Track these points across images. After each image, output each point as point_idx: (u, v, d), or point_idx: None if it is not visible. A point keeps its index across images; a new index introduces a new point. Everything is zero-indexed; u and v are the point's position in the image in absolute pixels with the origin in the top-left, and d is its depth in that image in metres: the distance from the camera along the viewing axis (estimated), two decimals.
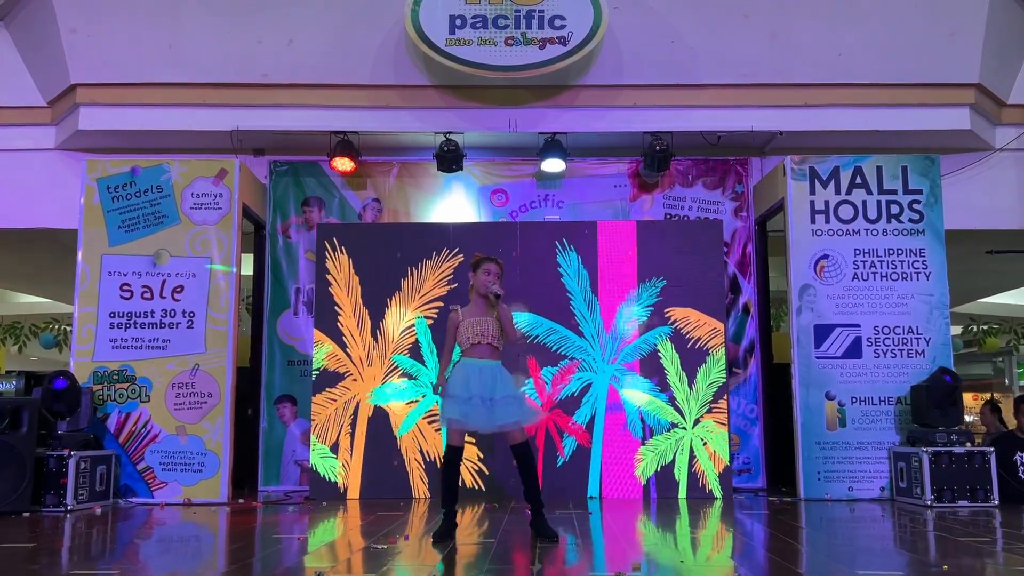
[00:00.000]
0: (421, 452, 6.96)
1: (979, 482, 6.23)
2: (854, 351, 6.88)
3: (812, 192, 7.08)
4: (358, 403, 7.02)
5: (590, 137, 7.70)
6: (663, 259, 7.14)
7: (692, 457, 6.88)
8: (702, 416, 6.92)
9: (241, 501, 6.65)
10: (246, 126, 7.48)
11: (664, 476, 6.86)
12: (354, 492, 6.91)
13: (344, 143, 7.52)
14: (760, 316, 7.78)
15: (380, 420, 7.00)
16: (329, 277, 7.21)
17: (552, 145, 7.53)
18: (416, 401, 7.03)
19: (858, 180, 7.09)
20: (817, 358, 6.87)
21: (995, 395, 15.93)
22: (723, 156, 7.93)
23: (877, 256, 6.99)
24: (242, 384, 7.25)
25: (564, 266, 7.13)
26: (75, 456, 6.04)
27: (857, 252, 7.00)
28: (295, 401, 7.61)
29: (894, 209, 7.05)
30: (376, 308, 7.15)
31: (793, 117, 7.52)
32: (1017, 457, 6.43)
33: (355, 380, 7.07)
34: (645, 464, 6.89)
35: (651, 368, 7.00)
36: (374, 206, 7.94)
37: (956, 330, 13.58)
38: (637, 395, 6.98)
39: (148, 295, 6.88)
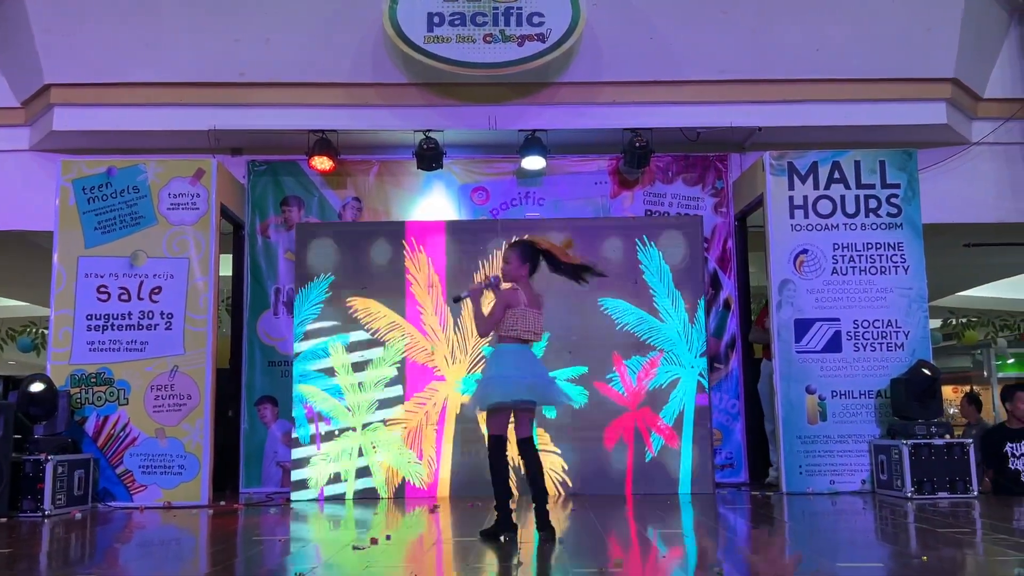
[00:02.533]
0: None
1: (959, 474, 6.27)
2: (834, 345, 6.91)
3: (791, 187, 7.11)
4: (446, 402, 6.94)
5: (570, 134, 7.69)
6: None
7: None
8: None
9: (222, 503, 6.59)
10: (223, 125, 7.42)
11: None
12: (444, 490, 6.84)
13: (323, 142, 7.48)
14: (741, 311, 7.80)
15: (468, 417, 6.88)
16: (409, 277, 7.14)
17: (532, 142, 7.51)
18: None
19: (836, 175, 7.12)
20: (798, 352, 6.90)
21: (974, 387, 16.08)
22: (703, 152, 7.95)
23: (856, 250, 7.03)
24: (222, 385, 7.19)
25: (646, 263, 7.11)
26: (52, 460, 5.96)
27: (836, 246, 7.04)
28: (276, 402, 7.56)
29: (872, 203, 7.09)
30: (459, 306, 7.00)
31: (772, 113, 7.54)
32: (1008, 448, 6.48)
33: (442, 380, 6.99)
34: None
35: None
36: (354, 205, 7.90)
37: (935, 323, 13.67)
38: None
39: (125, 297, 6.81)
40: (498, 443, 4.48)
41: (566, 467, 6.87)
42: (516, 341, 4.50)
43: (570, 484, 6.84)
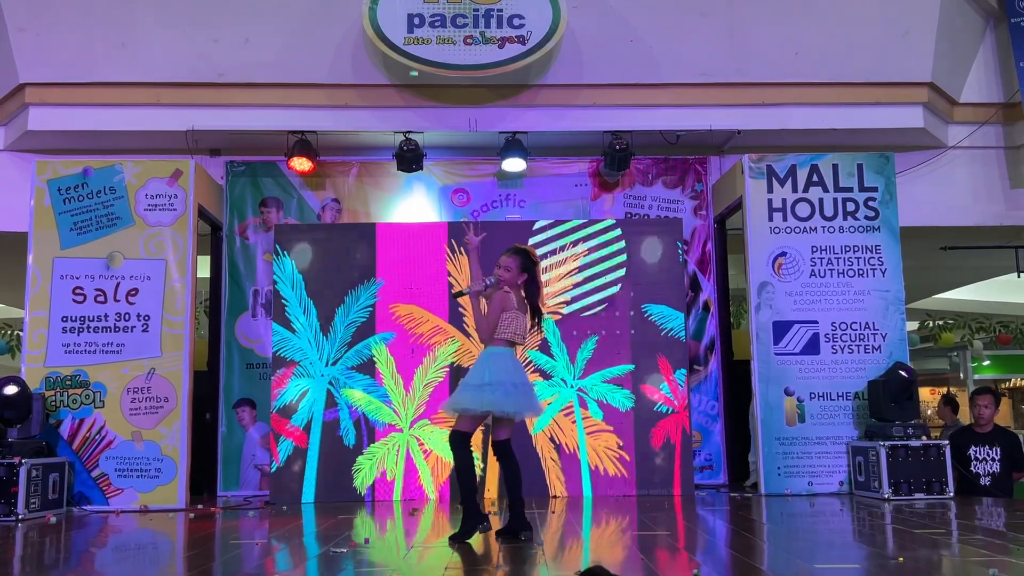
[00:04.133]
0: (558, 449, 6.87)
1: (935, 475, 6.32)
2: (812, 347, 6.95)
3: (770, 190, 7.15)
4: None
5: (551, 136, 7.70)
6: None
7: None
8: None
9: (200, 507, 6.54)
10: (201, 126, 7.36)
11: None
12: (493, 492, 6.81)
13: (302, 143, 7.44)
14: (720, 314, 7.83)
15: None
16: (451, 279, 7.11)
17: (512, 144, 7.51)
18: (550, 400, 6.94)
19: (815, 178, 7.17)
20: (776, 354, 6.93)
21: (951, 389, 16.23)
22: (682, 155, 7.98)
23: (834, 253, 7.08)
24: (200, 388, 7.13)
25: None
26: (26, 464, 5.89)
27: (814, 249, 7.08)
28: (254, 405, 7.51)
29: (850, 206, 7.14)
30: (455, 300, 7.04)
31: (751, 116, 7.58)
32: (971, 451, 6.54)
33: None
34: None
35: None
36: (333, 206, 7.86)
37: (912, 326, 13.78)
38: None
39: (102, 298, 6.74)
40: (464, 440, 4.55)
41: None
42: (506, 344, 4.59)
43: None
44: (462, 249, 7.08)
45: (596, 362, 7.04)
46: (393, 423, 6.96)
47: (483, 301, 4.68)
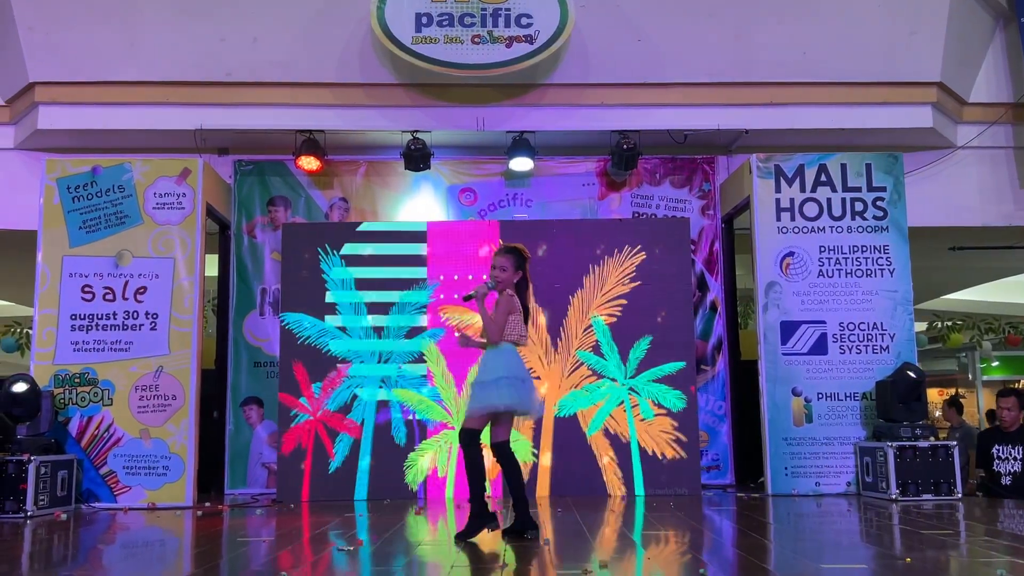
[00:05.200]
0: (614, 448, 6.88)
1: (943, 476, 6.30)
2: (820, 347, 6.93)
3: (777, 190, 7.13)
4: (543, 402, 6.89)
5: (558, 136, 7.70)
6: None
7: None
8: None
9: (207, 505, 6.56)
10: (210, 125, 7.38)
11: None
12: (543, 490, 6.82)
13: (310, 142, 7.46)
14: (727, 313, 7.82)
15: (567, 418, 6.92)
16: None
17: (520, 144, 7.51)
18: (602, 402, 6.95)
19: (823, 178, 7.15)
20: (784, 355, 6.92)
21: (960, 390, 16.18)
22: (690, 155, 7.97)
23: (842, 253, 7.06)
24: (207, 386, 7.15)
25: None
26: (35, 461, 5.92)
27: (822, 249, 7.06)
28: (262, 403, 7.53)
29: (858, 206, 7.12)
30: (555, 306, 7.05)
31: (759, 116, 7.57)
32: (995, 450, 6.52)
33: (539, 378, 6.95)
34: None
35: None
36: (341, 205, 7.88)
37: (920, 326, 13.74)
38: None
39: (110, 297, 6.77)
40: (475, 438, 4.55)
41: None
42: (512, 344, 4.61)
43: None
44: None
45: (648, 361, 7.02)
46: (444, 421, 6.96)
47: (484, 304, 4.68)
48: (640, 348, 7.00)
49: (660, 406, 6.95)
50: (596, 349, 7.05)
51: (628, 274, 7.12)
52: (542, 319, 7.06)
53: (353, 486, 6.84)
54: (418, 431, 6.96)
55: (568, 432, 6.93)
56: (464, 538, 4.43)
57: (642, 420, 6.93)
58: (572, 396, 6.99)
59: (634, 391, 6.98)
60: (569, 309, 7.10)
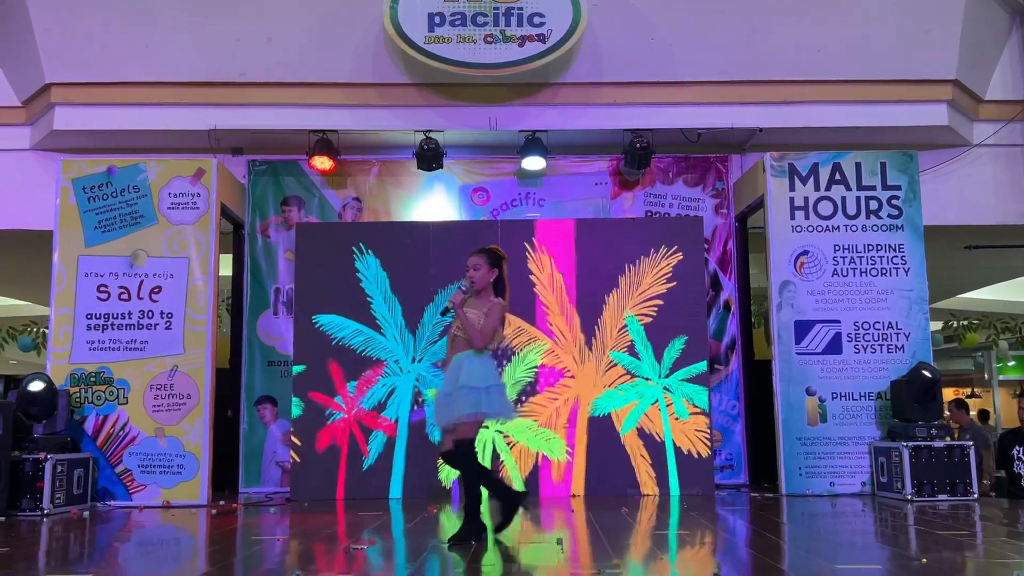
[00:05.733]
0: (647, 447, 6.87)
1: (958, 476, 6.26)
2: (834, 347, 6.90)
3: (792, 188, 7.10)
4: (577, 401, 6.92)
5: (570, 135, 7.69)
6: None
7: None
8: None
9: (221, 503, 6.59)
10: (224, 125, 7.42)
11: None
12: (578, 488, 6.82)
13: (323, 142, 7.48)
14: (741, 313, 7.79)
15: (601, 417, 6.93)
16: (533, 278, 7.10)
17: (532, 143, 7.51)
18: (636, 402, 6.95)
19: (837, 176, 7.11)
20: (798, 354, 6.89)
21: (975, 390, 16.07)
22: (703, 153, 7.94)
23: (856, 252, 7.02)
24: (222, 385, 7.19)
25: None
26: (52, 459, 5.96)
27: (837, 248, 7.03)
28: (275, 402, 7.56)
29: (873, 205, 7.08)
30: (590, 306, 7.05)
31: (772, 114, 7.54)
32: (1015, 451, 6.48)
33: (573, 377, 6.97)
34: None
35: None
36: (354, 205, 7.90)
37: (936, 326, 13.65)
38: None
39: (125, 296, 6.81)
40: (473, 446, 4.49)
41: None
42: (490, 351, 4.55)
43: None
44: (544, 248, 7.10)
45: (682, 361, 7.01)
46: None
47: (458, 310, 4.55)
48: (675, 348, 6.99)
49: (694, 405, 6.93)
50: (631, 349, 7.02)
51: (664, 274, 7.10)
52: (576, 319, 7.04)
53: (388, 484, 6.86)
54: None
55: (602, 432, 6.90)
56: (456, 541, 4.34)
57: (676, 419, 6.91)
58: (606, 396, 6.95)
59: (668, 390, 6.96)
60: (604, 309, 7.06)
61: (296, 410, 6.97)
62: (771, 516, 5.62)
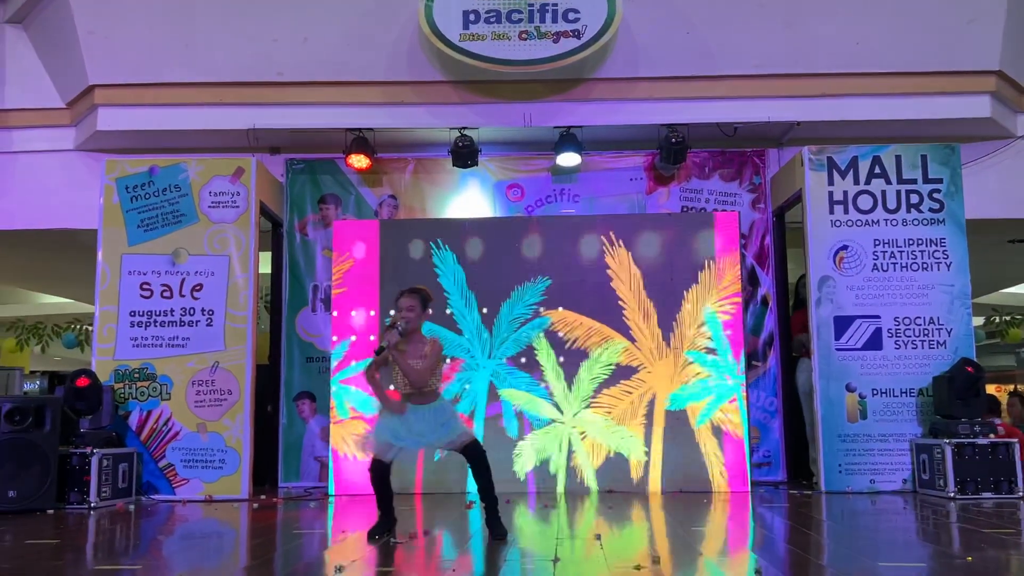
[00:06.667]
0: (720, 445, 6.87)
1: (1003, 474, 6.17)
2: (875, 343, 6.82)
3: (830, 183, 7.03)
4: (654, 396, 6.93)
5: (605, 130, 7.67)
6: None
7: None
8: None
9: (262, 497, 6.68)
10: (262, 124, 7.51)
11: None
12: (655, 485, 6.82)
13: (359, 140, 7.54)
14: (779, 308, 7.73)
15: (676, 412, 6.94)
16: (610, 272, 7.10)
17: (567, 139, 7.51)
18: (712, 396, 6.93)
19: (877, 170, 7.02)
20: (837, 350, 6.82)
21: (1020, 387, 15.77)
22: (740, 148, 7.89)
23: (897, 246, 6.93)
24: (261, 381, 7.28)
25: None
26: (98, 454, 6.09)
27: (877, 243, 6.94)
28: (314, 398, 7.64)
29: (914, 199, 6.98)
30: (665, 301, 7.03)
31: (810, 107, 7.46)
32: None
33: (649, 372, 6.97)
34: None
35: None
36: (390, 203, 7.95)
37: (978, 321, 13.43)
38: None
39: (168, 294, 6.93)
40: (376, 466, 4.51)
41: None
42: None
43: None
44: (621, 241, 7.06)
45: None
46: (554, 418, 6.95)
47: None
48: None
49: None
50: (708, 346, 6.98)
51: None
52: (654, 314, 6.99)
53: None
54: (528, 424, 6.95)
55: (677, 426, 6.86)
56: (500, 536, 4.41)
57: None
58: (682, 390, 6.90)
59: (746, 387, 6.93)
60: (684, 304, 7.00)
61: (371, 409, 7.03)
62: (810, 513, 5.58)
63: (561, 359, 6.97)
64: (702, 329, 6.95)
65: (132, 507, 6.17)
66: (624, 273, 7.05)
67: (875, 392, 6.76)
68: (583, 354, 6.98)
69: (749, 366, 7.34)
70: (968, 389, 6.42)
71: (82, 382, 6.37)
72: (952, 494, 6.10)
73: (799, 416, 7.47)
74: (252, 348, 6.87)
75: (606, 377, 6.93)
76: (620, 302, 7.02)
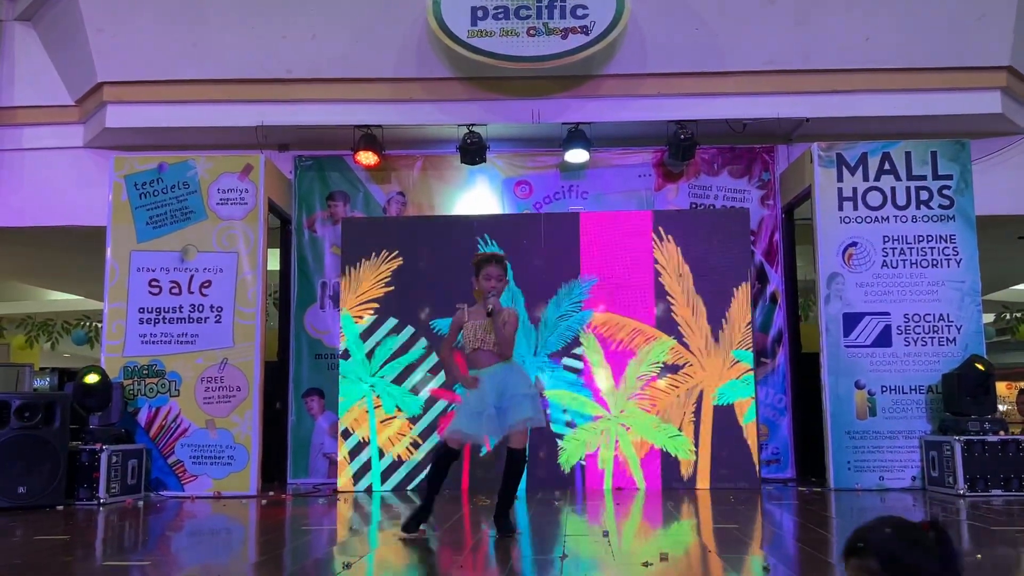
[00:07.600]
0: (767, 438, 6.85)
1: (1013, 471, 6.14)
2: (884, 339, 6.79)
3: (840, 179, 7.00)
4: (701, 392, 6.93)
5: (614, 127, 7.66)
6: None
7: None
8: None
9: (271, 494, 6.70)
10: (270, 121, 7.51)
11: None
12: (703, 482, 6.82)
13: (368, 137, 7.54)
14: (788, 305, 7.70)
15: (723, 408, 6.94)
16: (658, 267, 7.10)
17: (575, 135, 7.49)
18: (753, 397, 6.96)
19: (886, 166, 6.99)
20: (846, 347, 6.79)
21: None
22: (749, 144, 7.86)
23: (907, 243, 6.90)
24: (270, 378, 7.30)
25: None
26: (107, 450, 6.11)
27: (886, 239, 6.91)
28: (323, 394, 7.66)
29: (923, 195, 6.95)
30: (715, 297, 7.02)
31: (820, 103, 7.42)
32: None
33: (697, 369, 6.97)
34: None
35: None
36: (399, 200, 7.95)
37: (988, 318, 13.36)
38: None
39: (176, 290, 6.94)
40: (445, 451, 4.46)
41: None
42: (471, 363, 4.56)
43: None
44: (669, 236, 7.07)
45: None
46: (600, 415, 6.95)
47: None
48: None
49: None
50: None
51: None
52: (703, 309, 6.99)
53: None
54: (574, 421, 6.95)
55: (725, 422, 6.85)
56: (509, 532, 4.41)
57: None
58: (730, 385, 6.90)
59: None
60: (732, 301, 6.99)
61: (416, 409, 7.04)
62: (819, 510, 5.56)
63: (607, 355, 6.98)
64: (749, 326, 6.96)
65: (141, 503, 6.19)
66: (673, 268, 7.04)
67: (884, 389, 6.74)
68: (630, 352, 6.99)
69: (758, 363, 7.33)
70: (978, 386, 6.39)
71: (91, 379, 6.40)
72: (962, 491, 6.07)
73: (808, 413, 7.44)
74: (261, 345, 6.88)
75: (654, 374, 6.94)
76: (669, 297, 7.03)
